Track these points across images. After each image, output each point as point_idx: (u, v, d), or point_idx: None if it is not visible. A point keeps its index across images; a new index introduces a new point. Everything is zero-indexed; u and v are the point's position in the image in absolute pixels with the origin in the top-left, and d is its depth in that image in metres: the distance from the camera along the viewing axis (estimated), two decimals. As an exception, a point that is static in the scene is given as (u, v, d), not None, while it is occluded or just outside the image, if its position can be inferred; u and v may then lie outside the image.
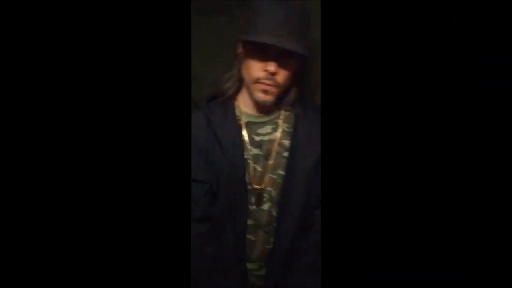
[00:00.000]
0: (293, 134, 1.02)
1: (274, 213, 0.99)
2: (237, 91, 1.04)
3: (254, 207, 0.99)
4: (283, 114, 1.03)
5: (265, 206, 1.00)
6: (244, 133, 1.01)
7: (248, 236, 1.00)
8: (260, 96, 0.97)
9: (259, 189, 0.99)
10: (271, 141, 1.01)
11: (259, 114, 1.03)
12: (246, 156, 0.99)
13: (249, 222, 1.00)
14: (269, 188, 0.99)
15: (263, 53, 0.93)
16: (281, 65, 0.94)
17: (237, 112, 1.04)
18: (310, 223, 1.00)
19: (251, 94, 1.00)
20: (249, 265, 1.01)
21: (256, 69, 0.95)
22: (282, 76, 0.96)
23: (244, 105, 1.04)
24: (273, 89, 0.96)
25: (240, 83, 1.02)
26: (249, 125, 1.02)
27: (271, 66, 0.93)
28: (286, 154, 1.01)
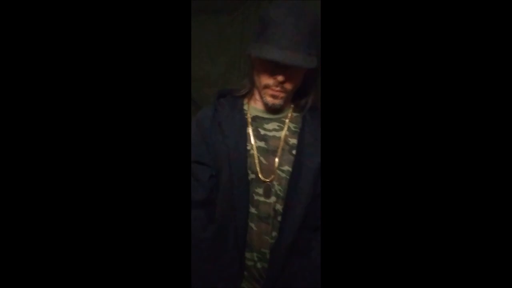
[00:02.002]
0: (300, 134, 1.04)
1: (279, 208, 1.01)
2: (249, 91, 1.08)
3: (261, 198, 1.02)
4: (290, 114, 1.07)
5: (271, 200, 1.02)
6: (249, 126, 1.04)
7: (250, 224, 1.02)
8: (269, 100, 1.01)
9: (266, 181, 1.02)
10: (276, 138, 1.04)
11: (267, 113, 1.07)
12: (248, 147, 1.02)
13: (253, 211, 1.02)
14: (275, 183, 1.02)
15: (271, 63, 0.95)
16: (289, 74, 0.97)
17: (246, 107, 1.07)
18: (319, 223, 1.01)
19: (261, 97, 1.04)
20: (248, 255, 1.02)
21: (265, 77, 0.99)
22: (290, 83, 0.99)
23: (254, 103, 1.08)
24: (281, 94, 1.00)
25: (252, 85, 1.06)
26: (255, 119, 1.06)
27: (280, 76, 0.96)
28: (293, 151, 1.03)
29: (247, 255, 1.01)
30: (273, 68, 0.95)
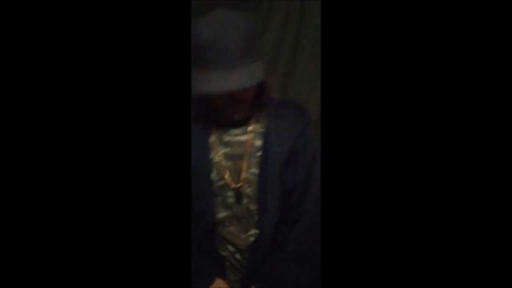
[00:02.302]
0: (265, 133, 1.04)
1: (253, 208, 1.03)
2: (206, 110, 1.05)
3: (233, 200, 1.04)
4: (256, 115, 1.05)
5: (243, 202, 1.04)
6: (213, 136, 1.04)
7: (229, 228, 1.04)
8: (232, 116, 0.99)
9: (236, 187, 1.03)
10: (241, 142, 1.04)
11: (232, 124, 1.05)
12: (212, 156, 1.02)
13: (228, 213, 1.03)
14: (245, 186, 1.03)
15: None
16: (241, 92, 0.93)
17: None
18: (297, 217, 1.05)
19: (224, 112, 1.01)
20: (224, 248, 1.05)
21: (219, 101, 0.95)
22: (247, 95, 0.96)
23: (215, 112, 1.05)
24: (241, 109, 0.98)
25: (208, 107, 1.02)
26: (220, 126, 1.04)
27: (232, 101, 0.94)
28: (258, 154, 1.04)
29: (223, 248, 1.05)
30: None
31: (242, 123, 1.04)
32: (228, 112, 0.98)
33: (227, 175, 1.02)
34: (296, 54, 1.34)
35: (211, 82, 0.88)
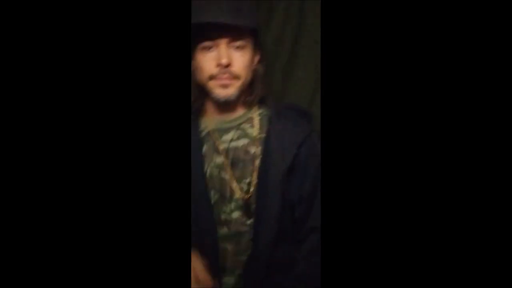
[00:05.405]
0: (265, 140, 0.96)
1: (247, 222, 0.95)
2: (202, 103, 0.99)
3: (229, 216, 0.96)
4: (254, 118, 0.98)
5: (234, 215, 0.96)
6: (205, 144, 0.97)
7: (224, 245, 0.95)
8: (220, 93, 0.91)
9: (232, 198, 0.95)
10: (237, 149, 0.96)
11: (226, 117, 0.97)
12: (205, 168, 0.95)
13: (224, 231, 0.95)
14: (237, 197, 0.95)
15: (211, 41, 0.88)
16: (234, 54, 0.89)
17: (203, 124, 0.99)
18: (305, 235, 0.96)
19: (212, 98, 0.94)
20: (226, 279, 0.96)
21: (208, 66, 0.89)
22: (238, 66, 0.90)
23: (208, 115, 0.99)
24: (232, 82, 0.90)
25: (201, 93, 0.96)
26: (212, 133, 0.97)
27: (223, 58, 0.87)
28: (256, 162, 0.95)
29: (225, 279, 0.95)
30: (214, 50, 0.88)
31: (232, 109, 0.95)
32: (217, 86, 0.90)
33: (220, 186, 0.94)
34: (296, 54, 1.34)
35: (205, 16, 0.85)
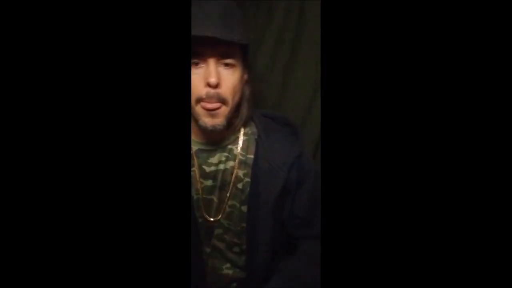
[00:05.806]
0: (254, 161, 0.93)
1: (237, 249, 0.94)
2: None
3: (215, 241, 0.95)
4: (239, 139, 0.96)
5: (227, 240, 0.95)
6: (192, 166, 0.93)
7: (213, 263, 0.96)
8: (207, 122, 0.87)
9: (211, 221, 0.94)
10: (224, 171, 0.94)
11: (209, 143, 0.93)
12: (192, 193, 0.92)
13: (214, 253, 0.96)
14: (224, 221, 0.94)
15: (199, 57, 0.84)
16: (223, 72, 0.85)
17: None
18: (300, 257, 0.95)
19: (197, 123, 0.89)
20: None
21: (196, 87, 0.85)
22: (226, 87, 0.86)
23: (194, 135, 0.94)
24: (220, 108, 0.86)
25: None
26: (199, 154, 0.94)
27: (212, 77, 0.83)
28: (239, 185, 0.94)
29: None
30: (202, 67, 0.84)
31: (218, 139, 0.92)
32: (204, 114, 0.86)
33: (205, 210, 0.92)
34: (296, 54, 1.34)
35: (197, 30, 0.81)
